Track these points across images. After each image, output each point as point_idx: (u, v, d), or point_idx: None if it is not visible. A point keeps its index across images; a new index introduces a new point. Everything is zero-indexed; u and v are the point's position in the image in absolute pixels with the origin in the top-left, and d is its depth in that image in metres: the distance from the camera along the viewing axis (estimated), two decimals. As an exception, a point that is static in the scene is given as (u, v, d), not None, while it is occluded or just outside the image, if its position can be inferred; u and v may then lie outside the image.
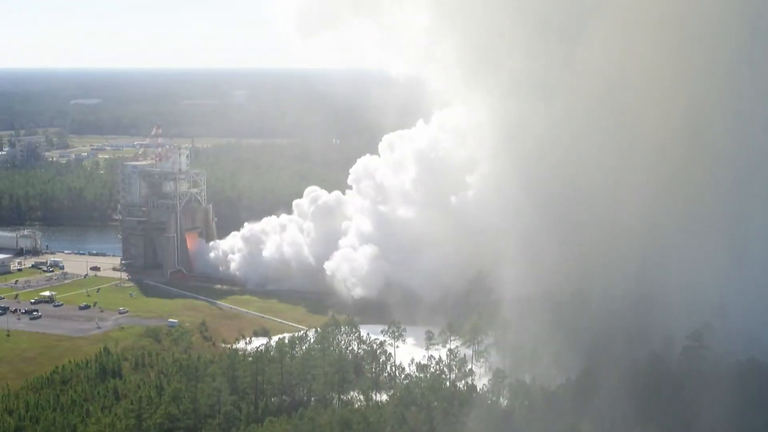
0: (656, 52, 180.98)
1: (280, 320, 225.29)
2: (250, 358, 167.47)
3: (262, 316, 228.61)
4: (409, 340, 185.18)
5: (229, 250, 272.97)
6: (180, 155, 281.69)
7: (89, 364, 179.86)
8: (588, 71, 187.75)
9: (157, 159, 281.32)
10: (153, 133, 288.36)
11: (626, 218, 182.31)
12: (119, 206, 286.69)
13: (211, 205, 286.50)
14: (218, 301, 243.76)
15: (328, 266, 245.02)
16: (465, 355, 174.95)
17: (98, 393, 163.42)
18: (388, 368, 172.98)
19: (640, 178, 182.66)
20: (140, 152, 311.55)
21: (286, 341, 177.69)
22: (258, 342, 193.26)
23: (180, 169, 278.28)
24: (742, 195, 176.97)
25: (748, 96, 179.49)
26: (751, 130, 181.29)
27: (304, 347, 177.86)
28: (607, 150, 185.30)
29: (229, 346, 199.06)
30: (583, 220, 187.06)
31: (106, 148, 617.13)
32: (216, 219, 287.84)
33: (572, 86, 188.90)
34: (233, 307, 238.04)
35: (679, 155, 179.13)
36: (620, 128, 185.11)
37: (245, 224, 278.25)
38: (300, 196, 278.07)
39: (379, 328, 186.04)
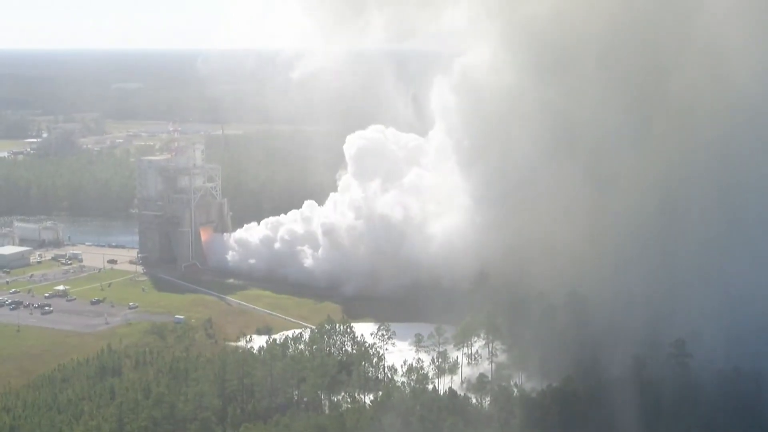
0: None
1: (285, 317, 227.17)
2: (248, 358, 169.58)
3: (270, 313, 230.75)
4: (410, 341, 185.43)
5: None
6: (195, 150, 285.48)
7: (90, 362, 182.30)
8: None
9: (173, 154, 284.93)
10: (170, 128, 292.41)
11: (622, 221, 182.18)
12: (136, 200, 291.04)
13: (226, 200, 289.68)
14: (227, 296, 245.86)
15: None
16: (457, 357, 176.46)
17: (95, 392, 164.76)
18: (381, 370, 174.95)
19: (633, 180, 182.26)
20: (156, 147, 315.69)
21: (278, 342, 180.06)
22: (259, 340, 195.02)
23: (195, 164, 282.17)
24: (736, 200, 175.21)
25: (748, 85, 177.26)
26: (750, 126, 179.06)
27: (299, 347, 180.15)
28: (597, 153, 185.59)
29: (230, 343, 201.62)
30: (580, 222, 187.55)
31: (142, 134, 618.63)
32: (231, 213, 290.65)
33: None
34: (242, 303, 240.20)
35: (672, 158, 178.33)
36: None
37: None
38: (322, 191, 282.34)
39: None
